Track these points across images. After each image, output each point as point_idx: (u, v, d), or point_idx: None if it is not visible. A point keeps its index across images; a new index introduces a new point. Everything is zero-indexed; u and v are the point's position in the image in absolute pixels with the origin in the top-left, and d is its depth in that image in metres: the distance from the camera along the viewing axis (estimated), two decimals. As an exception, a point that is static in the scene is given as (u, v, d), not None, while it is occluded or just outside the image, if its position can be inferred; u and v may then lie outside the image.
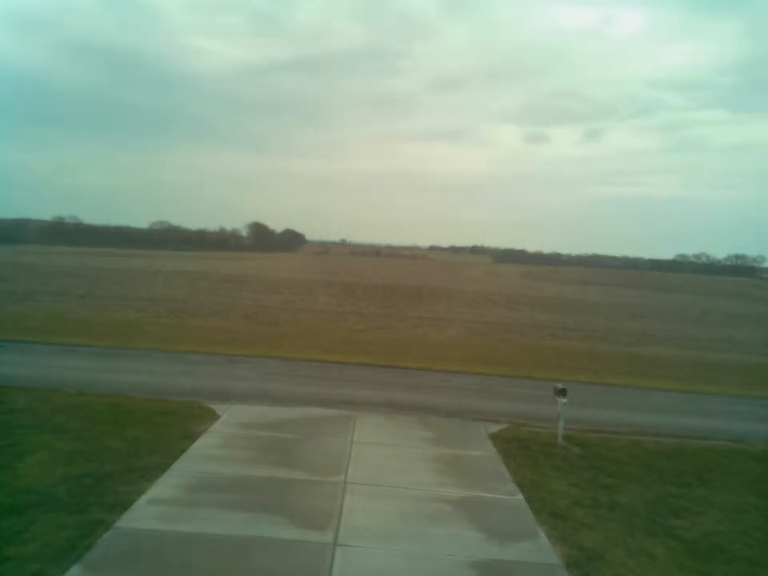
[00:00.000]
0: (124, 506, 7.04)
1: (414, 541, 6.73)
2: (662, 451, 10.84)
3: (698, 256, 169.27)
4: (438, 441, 10.52)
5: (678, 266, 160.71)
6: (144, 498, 7.30)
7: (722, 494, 8.91)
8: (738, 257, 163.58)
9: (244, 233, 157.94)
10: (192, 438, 9.62)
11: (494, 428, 11.51)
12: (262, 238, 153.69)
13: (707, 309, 52.54)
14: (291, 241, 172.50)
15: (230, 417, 11.03)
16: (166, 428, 10.04)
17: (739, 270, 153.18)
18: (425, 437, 10.69)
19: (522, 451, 10.19)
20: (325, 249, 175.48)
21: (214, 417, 10.89)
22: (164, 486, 7.73)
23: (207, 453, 9.09)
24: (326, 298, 39.65)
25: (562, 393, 10.73)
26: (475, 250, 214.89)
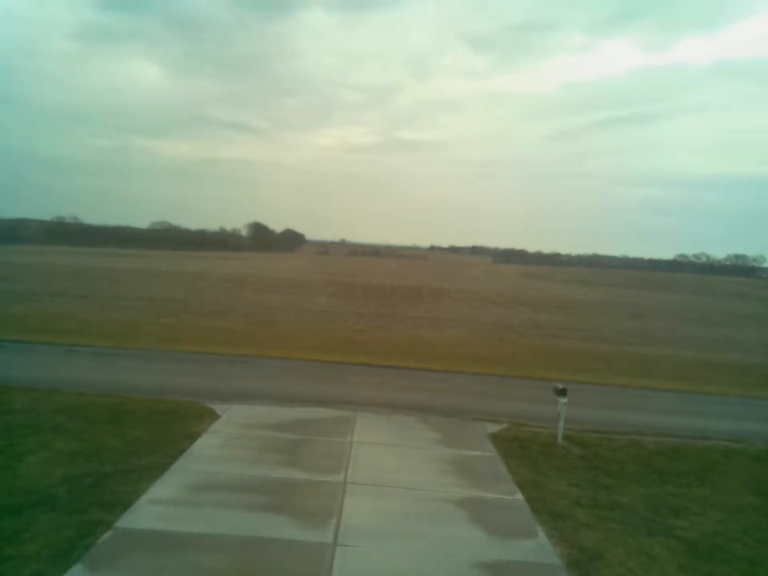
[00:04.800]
0: (124, 506, 7.04)
1: (414, 541, 6.73)
2: (662, 451, 10.84)
3: (697, 256, 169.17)
4: (438, 441, 10.51)
5: (678, 266, 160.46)
6: (144, 498, 7.30)
7: (721, 494, 8.91)
8: (737, 257, 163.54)
9: (244, 233, 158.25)
10: (192, 437, 9.62)
11: (494, 428, 11.50)
12: (261, 238, 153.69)
13: (707, 309, 52.49)
14: (291, 241, 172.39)
15: (230, 417, 11.03)
16: (166, 428, 10.04)
17: (739, 270, 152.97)
18: (425, 437, 10.69)
19: (522, 451, 10.18)
20: (325, 249, 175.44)
21: (213, 417, 10.89)
22: (164, 486, 7.73)
23: (207, 453, 9.09)
24: (326, 297, 39.63)
25: (562, 393, 10.73)
26: (475, 250, 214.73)
